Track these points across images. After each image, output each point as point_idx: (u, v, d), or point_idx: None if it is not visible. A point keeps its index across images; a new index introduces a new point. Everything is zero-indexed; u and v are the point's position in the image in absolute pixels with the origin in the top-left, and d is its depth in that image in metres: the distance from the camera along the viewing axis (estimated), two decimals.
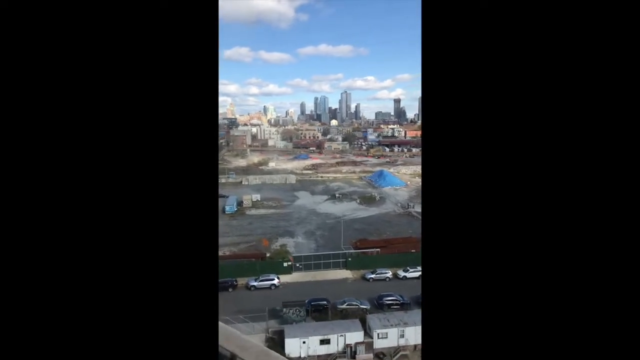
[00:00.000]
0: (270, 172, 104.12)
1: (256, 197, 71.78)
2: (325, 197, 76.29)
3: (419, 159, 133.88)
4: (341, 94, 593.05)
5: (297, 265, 39.43)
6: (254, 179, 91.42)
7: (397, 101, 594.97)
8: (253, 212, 64.64)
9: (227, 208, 63.05)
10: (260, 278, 36.15)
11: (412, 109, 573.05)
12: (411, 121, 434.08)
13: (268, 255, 44.10)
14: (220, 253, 43.30)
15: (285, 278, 37.57)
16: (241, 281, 36.86)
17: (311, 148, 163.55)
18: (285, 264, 39.18)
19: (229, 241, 49.00)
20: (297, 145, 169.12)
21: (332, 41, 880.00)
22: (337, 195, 75.95)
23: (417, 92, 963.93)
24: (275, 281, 36.25)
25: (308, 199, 74.64)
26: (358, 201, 71.40)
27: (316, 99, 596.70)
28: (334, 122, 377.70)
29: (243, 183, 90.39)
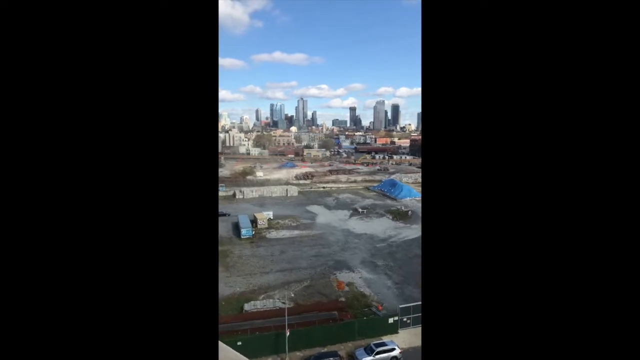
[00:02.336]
0: (262, 183, 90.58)
1: (268, 214, 58.75)
2: (346, 211, 64.89)
3: (409, 167, 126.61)
4: (298, 101, 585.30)
5: (405, 320, 27.77)
6: (249, 192, 77.62)
7: (352, 109, 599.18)
8: (274, 234, 51.68)
9: (243, 232, 49.58)
10: (373, 348, 24.06)
11: (367, 117, 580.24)
12: (367, 129, 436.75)
13: (342, 299, 32.01)
14: (279, 303, 30.53)
15: (396, 340, 25.84)
16: (334, 349, 24.58)
17: (290, 155, 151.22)
18: (390, 320, 27.37)
19: (273, 280, 36.10)
20: (274, 152, 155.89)
21: (287, 49, 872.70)
22: (359, 210, 64.82)
23: (370, 101, 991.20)
24: (396, 351, 24.35)
25: (328, 215, 62.77)
26: (390, 217, 60.81)
27: (272, 105, 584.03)
28: (293, 129, 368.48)
29: (237, 197, 76.31)
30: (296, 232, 52.38)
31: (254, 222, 54.09)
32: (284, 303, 30.63)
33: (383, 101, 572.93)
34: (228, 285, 35.15)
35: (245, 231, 49.75)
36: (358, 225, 56.17)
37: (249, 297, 32.81)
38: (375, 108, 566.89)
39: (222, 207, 66.36)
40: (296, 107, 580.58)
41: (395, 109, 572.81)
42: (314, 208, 68.01)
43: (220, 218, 57.64)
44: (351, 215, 62.23)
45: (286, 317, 24.68)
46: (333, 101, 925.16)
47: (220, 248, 45.22)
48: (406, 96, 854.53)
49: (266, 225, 54.57)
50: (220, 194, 77.15)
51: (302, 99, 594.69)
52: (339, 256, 43.01)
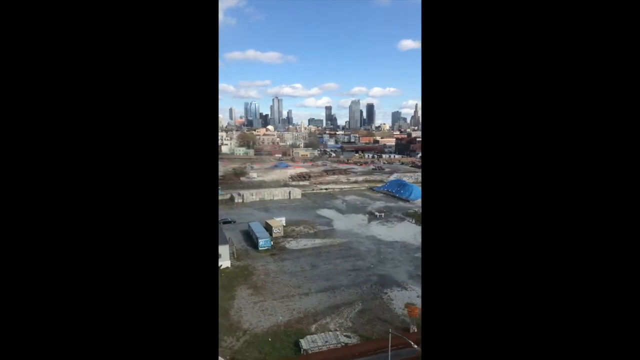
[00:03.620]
0: (259, 185, 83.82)
1: (281, 221, 52.53)
2: (362, 215, 59.58)
3: (402, 166, 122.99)
4: (273, 99, 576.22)
5: None
6: (249, 195, 70.81)
7: (328, 108, 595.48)
8: (293, 244, 45.57)
9: (261, 242, 43.19)
10: None
11: (341, 117, 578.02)
12: (343, 127, 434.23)
13: (414, 328, 26.61)
14: (342, 337, 24.70)
15: None
16: None
17: (277, 155, 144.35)
18: None
19: (317, 304, 30.19)
20: (259, 152, 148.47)
21: (261, 47, 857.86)
22: (376, 214, 59.62)
23: (344, 101, 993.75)
24: None
25: (344, 220, 57.20)
26: (412, 220, 55.97)
27: (247, 104, 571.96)
28: (271, 128, 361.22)
29: (237, 201, 69.36)
30: (318, 241, 46.48)
31: (268, 230, 47.69)
32: (348, 337, 24.84)
33: (358, 101, 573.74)
34: (266, 312, 28.94)
35: (264, 242, 43.39)
36: (382, 232, 50.92)
37: (297, 328, 26.77)
38: (350, 107, 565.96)
39: (224, 213, 59.52)
40: (271, 106, 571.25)
41: (370, 108, 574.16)
42: (325, 212, 62.24)
43: (225, 226, 50.78)
44: (370, 220, 56.91)
45: None
46: (307, 100, 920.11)
47: (239, 263, 38.76)
48: (379, 96, 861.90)
49: (282, 234, 48.36)
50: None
51: (277, 97, 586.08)
52: (380, 270, 37.56)
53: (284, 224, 52.17)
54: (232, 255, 38.91)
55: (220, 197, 70.50)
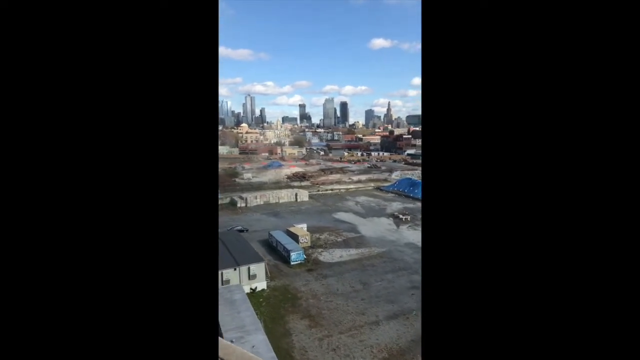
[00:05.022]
0: (259, 187, 76.62)
1: (303, 227, 46.13)
2: (385, 219, 54.08)
3: (394, 163, 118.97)
4: (245, 97, 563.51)
5: None
6: (253, 199, 63.64)
7: (302, 106, 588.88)
8: (327, 256, 39.34)
9: (293, 256, 36.67)
10: None
11: (314, 115, 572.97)
12: (318, 126, 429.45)
13: None
14: None
15: None
16: None
17: (264, 154, 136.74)
18: None
19: (396, 336, 24.33)
20: (244, 151, 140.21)
21: (232, 44, 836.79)
22: (401, 217, 54.24)
23: (316, 99, 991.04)
24: None
25: (368, 224, 51.46)
26: None
27: (219, 102, 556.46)
28: (245, 126, 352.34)
29: (240, 205, 62.05)
30: (353, 252, 40.44)
31: (294, 239, 41.12)
32: None
33: (332, 99, 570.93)
34: (340, 353, 22.64)
35: (296, 255, 36.88)
36: (418, 237, 45.42)
37: None
38: (324, 105, 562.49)
39: (229, 219, 52.36)
40: (244, 103, 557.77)
41: (344, 106, 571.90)
42: (343, 216, 56.27)
43: (240, 236, 43.54)
44: (397, 224, 51.39)
45: None
46: (279, 98, 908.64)
47: (274, 283, 32.12)
48: (351, 94, 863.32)
49: (309, 243, 41.97)
50: None
51: (249, 95, 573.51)
52: None
53: (305, 230, 45.72)
54: (266, 274, 32.22)
55: (220, 202, 62.98)
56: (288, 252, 36.94)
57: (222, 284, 29.24)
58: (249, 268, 30.50)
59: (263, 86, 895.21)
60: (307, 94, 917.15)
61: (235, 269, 29.98)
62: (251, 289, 30.37)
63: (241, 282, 30.04)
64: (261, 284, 31.15)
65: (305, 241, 41.82)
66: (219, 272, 29.30)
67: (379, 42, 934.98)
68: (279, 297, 29.80)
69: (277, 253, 39.24)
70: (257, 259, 32.04)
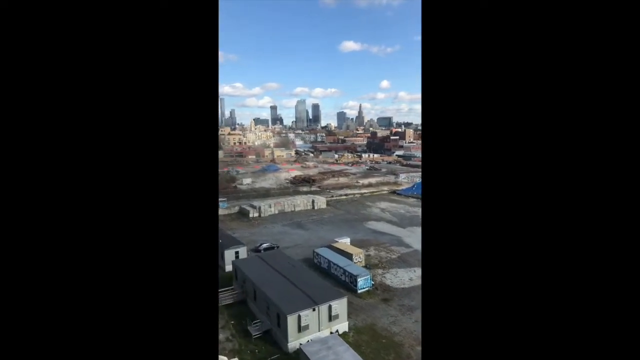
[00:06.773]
0: (266, 193, 68.37)
1: (345, 241, 38.94)
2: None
3: (390, 165, 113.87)
4: None
5: None
6: (267, 208, 55.55)
7: (273, 108, 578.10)
8: (393, 279, 32.39)
9: (360, 282, 29.43)
10: None
11: (286, 117, 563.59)
12: (290, 128, 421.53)
13: None
14: None
15: None
16: None
17: (250, 156, 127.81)
18: None
19: None
20: (230, 153, 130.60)
21: None
22: None
23: (286, 101, 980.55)
24: None
25: (412, 235, 44.91)
26: None
27: None
28: (227, 129, 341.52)
29: (252, 215, 53.81)
30: (420, 272, 33.58)
31: (348, 259, 33.78)
32: None
33: (304, 100, 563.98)
34: None
35: (364, 281, 29.67)
36: None
37: None
38: (296, 107, 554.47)
39: (249, 234, 44.26)
40: None
41: (316, 108, 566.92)
42: (377, 225, 49.50)
43: (268, 254, 35.55)
44: None
45: None
46: (248, 100, 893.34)
47: (352, 322, 24.75)
48: (321, 96, 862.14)
49: (363, 263, 34.82)
50: (222, 212, 53.89)
51: (220, 97, 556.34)
52: None
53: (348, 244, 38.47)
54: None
55: (227, 211, 54.51)
56: (353, 277, 29.64)
57: (300, 331, 21.62)
58: (329, 307, 23.01)
59: (231, 87, 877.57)
60: (277, 96, 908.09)
61: (314, 309, 22.40)
62: (331, 333, 22.92)
63: (320, 326, 22.54)
64: (342, 326, 23.74)
65: (360, 260, 34.66)
66: (296, 315, 21.67)
67: (349, 45, 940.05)
68: (372, 344, 22.53)
69: (331, 277, 31.82)
70: (335, 294, 24.60)
